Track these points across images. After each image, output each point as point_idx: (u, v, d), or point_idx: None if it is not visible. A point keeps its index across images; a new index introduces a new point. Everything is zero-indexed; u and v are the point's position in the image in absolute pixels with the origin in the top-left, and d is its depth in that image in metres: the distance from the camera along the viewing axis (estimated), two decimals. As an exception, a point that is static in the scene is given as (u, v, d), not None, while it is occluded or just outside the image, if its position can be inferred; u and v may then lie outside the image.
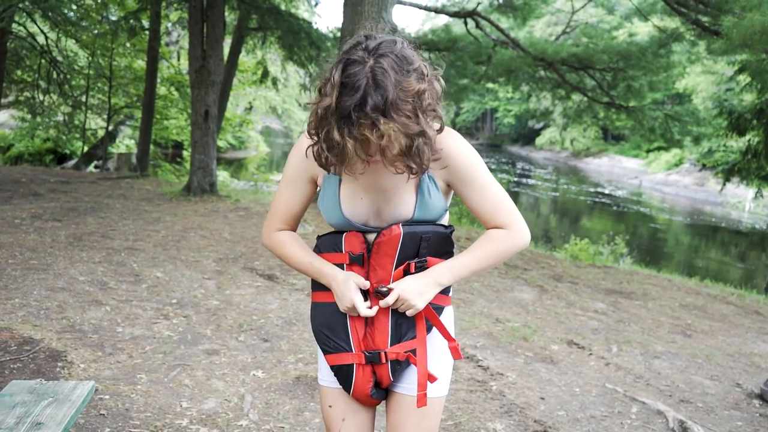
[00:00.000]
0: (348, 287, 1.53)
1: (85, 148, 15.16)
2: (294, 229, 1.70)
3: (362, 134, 1.31)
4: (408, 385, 1.60)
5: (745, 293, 7.10)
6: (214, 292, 4.72)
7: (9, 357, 3.22)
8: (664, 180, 30.93)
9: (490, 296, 5.47)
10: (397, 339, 1.57)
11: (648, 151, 34.54)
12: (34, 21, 12.41)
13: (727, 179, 11.48)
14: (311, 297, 1.68)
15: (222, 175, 15.56)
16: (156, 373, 3.26)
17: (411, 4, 10.29)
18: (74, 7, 11.62)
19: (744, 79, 10.22)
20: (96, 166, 15.08)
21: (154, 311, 4.16)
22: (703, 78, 28.44)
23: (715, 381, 4.00)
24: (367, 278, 1.56)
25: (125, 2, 12.30)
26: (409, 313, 1.53)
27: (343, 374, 1.60)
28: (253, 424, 2.84)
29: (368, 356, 1.57)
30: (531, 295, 5.72)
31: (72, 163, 15.39)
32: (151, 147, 14.45)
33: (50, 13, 10.25)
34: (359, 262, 1.56)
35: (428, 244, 1.54)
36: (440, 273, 1.53)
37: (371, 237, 1.57)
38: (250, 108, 26.21)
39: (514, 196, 23.38)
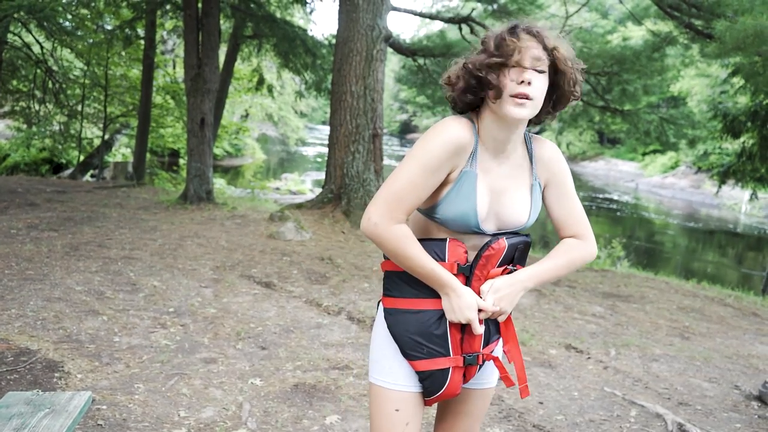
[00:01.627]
0: (471, 307, 1.56)
1: (81, 158, 15.13)
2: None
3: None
4: (480, 380, 1.75)
5: (743, 295, 7.11)
6: (211, 300, 4.71)
7: (6, 368, 3.21)
8: (660, 183, 31.01)
9: (488, 301, 5.47)
10: (486, 341, 1.67)
11: (644, 154, 34.64)
12: (29, 31, 12.40)
13: (722, 181, 11.52)
14: (391, 302, 1.65)
15: (218, 183, 15.57)
16: (153, 383, 3.24)
17: (406, 11, 10.32)
18: (69, 16, 11.61)
19: (738, 81, 10.29)
20: (92, 175, 15.06)
21: (151, 320, 4.15)
22: (697, 81, 28.57)
23: (714, 383, 4.01)
24: (468, 286, 1.60)
25: (120, 11, 12.30)
26: (500, 319, 1.63)
27: (435, 378, 1.62)
28: (251, 433, 2.83)
29: (468, 359, 1.63)
30: (529, 299, 5.72)
31: (68, 172, 15.35)
32: (148, 155, 14.43)
33: (45, 23, 10.24)
34: (466, 272, 1.59)
35: (520, 253, 1.64)
36: (527, 278, 1.61)
37: (470, 249, 1.61)
38: (246, 115, 26.22)
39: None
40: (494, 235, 1.61)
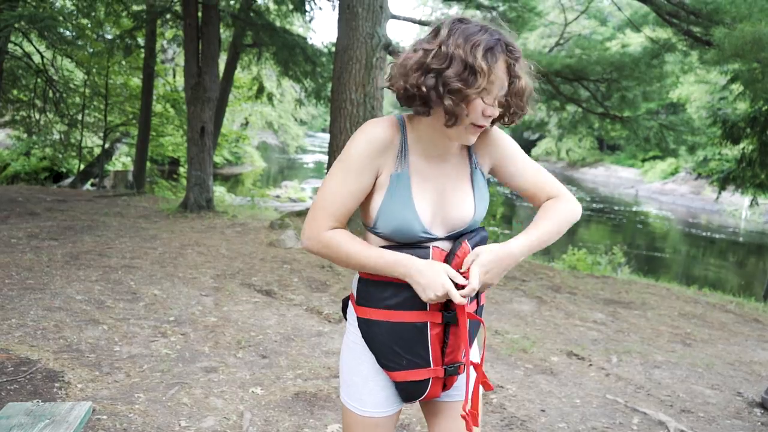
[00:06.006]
0: (439, 273, 1.40)
1: (82, 167, 15.16)
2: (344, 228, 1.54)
3: (495, 68, 1.35)
4: (461, 392, 1.62)
5: (744, 301, 7.10)
6: (211, 308, 4.71)
7: (5, 378, 3.20)
8: (660, 189, 31.04)
9: (489, 308, 5.46)
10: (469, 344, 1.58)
11: (644, 160, 34.70)
12: (30, 41, 12.45)
13: (722, 188, 11.53)
14: (367, 313, 1.53)
15: (219, 191, 15.59)
16: (154, 392, 3.23)
17: (405, 19, 10.35)
18: (70, 26, 11.65)
19: (737, 88, 10.30)
20: (92, 184, 15.08)
21: (152, 329, 4.14)
22: (696, 87, 28.63)
23: (716, 390, 3.99)
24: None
25: (120, 21, 12.36)
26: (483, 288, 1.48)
27: (411, 387, 1.55)
28: (252, 442, 2.82)
29: (449, 370, 1.54)
30: (530, 306, 5.71)
31: (68, 181, 15.39)
32: (148, 164, 14.46)
33: (46, 33, 10.27)
34: None
35: None
36: (519, 252, 1.48)
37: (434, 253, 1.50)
38: (246, 124, 26.30)
39: (512, 208, 23.41)
40: (449, 238, 1.51)
